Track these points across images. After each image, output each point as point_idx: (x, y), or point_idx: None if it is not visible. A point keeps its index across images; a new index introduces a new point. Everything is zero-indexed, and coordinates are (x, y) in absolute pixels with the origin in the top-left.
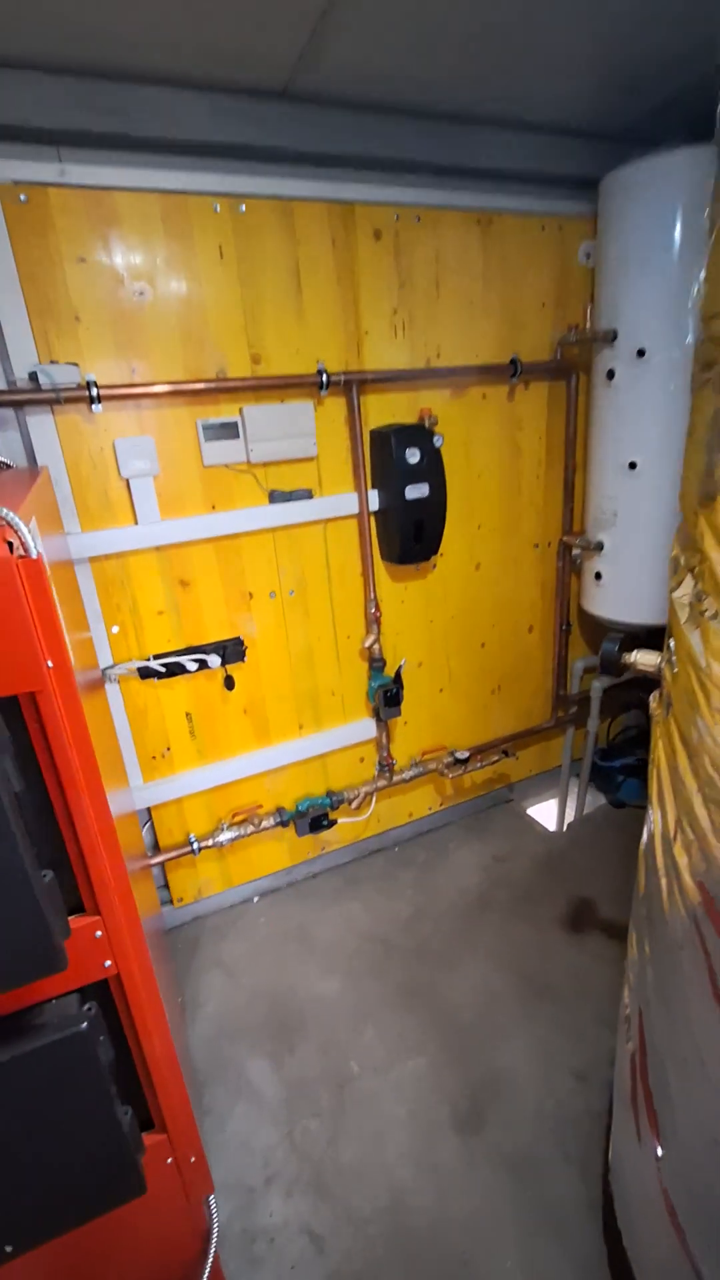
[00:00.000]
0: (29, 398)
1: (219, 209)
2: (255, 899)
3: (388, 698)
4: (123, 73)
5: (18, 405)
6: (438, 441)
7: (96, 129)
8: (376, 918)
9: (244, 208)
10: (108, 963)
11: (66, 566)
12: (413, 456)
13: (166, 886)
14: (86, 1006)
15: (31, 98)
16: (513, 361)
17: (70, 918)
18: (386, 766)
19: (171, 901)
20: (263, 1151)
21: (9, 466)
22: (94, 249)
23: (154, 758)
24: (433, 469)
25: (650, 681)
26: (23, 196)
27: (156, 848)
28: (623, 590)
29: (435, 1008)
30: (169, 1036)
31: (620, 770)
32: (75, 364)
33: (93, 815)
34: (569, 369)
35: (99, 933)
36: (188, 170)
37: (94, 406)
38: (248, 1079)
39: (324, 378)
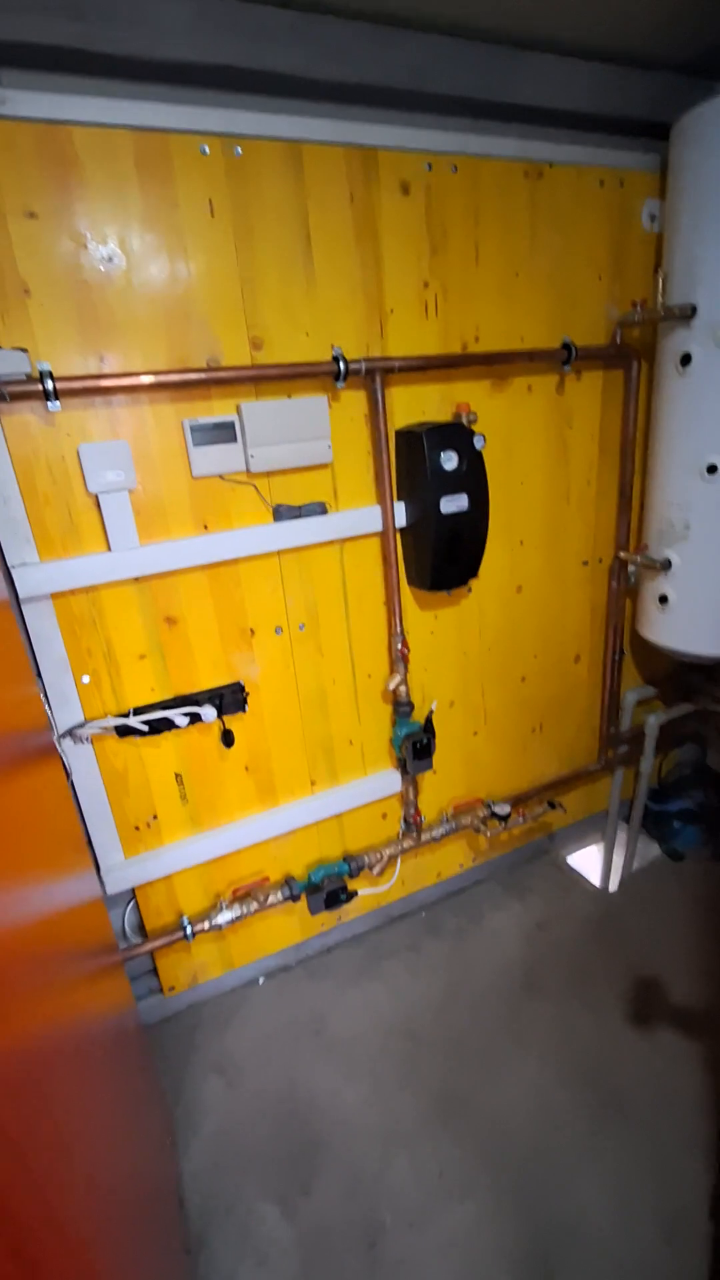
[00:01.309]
0: None
1: (208, 151)
2: (261, 980)
3: (417, 749)
4: None
5: None
6: (479, 443)
7: (45, 40)
8: (403, 1003)
9: (240, 150)
10: None
11: None
12: (449, 461)
13: (155, 973)
14: None
15: None
16: (565, 345)
17: None
18: (414, 825)
19: (161, 990)
20: None
21: None
22: (47, 201)
23: (137, 828)
24: (473, 476)
25: (710, 713)
26: None
27: (142, 931)
28: (696, 616)
29: (480, 1128)
30: None
31: (676, 815)
32: (24, 349)
33: None
34: (630, 354)
35: None
36: (168, 101)
37: (50, 404)
38: (254, 1229)
39: (341, 366)
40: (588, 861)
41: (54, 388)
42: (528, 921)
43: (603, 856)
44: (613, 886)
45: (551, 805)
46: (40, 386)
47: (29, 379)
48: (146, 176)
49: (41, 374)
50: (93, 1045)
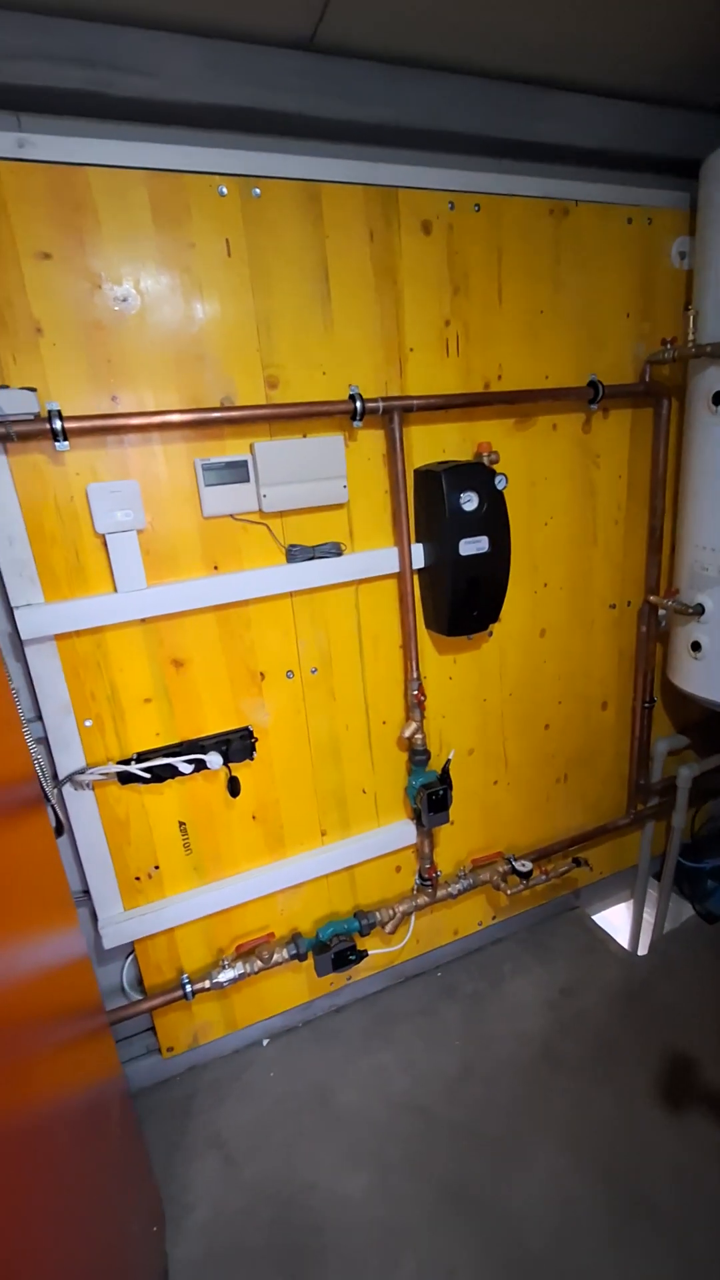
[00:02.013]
0: None
1: (226, 192)
2: (265, 1042)
3: (433, 801)
4: (100, 12)
5: None
6: (500, 483)
7: (66, 85)
8: (415, 1077)
9: (258, 191)
10: None
11: None
12: (469, 502)
13: (153, 1030)
14: None
15: None
16: (592, 384)
17: None
18: (429, 880)
19: (160, 1051)
20: None
21: None
22: (62, 243)
23: (137, 879)
24: (494, 517)
25: None
26: None
27: (141, 987)
28: None
29: (494, 1226)
30: None
31: (711, 874)
32: (33, 389)
33: None
34: (659, 393)
35: None
36: (184, 143)
37: (58, 443)
38: None
39: (358, 405)
40: (616, 921)
41: (62, 427)
42: (550, 987)
43: (632, 916)
44: (642, 949)
45: (577, 862)
46: (48, 426)
47: (37, 418)
48: (162, 217)
49: (50, 413)
50: (64, 1120)
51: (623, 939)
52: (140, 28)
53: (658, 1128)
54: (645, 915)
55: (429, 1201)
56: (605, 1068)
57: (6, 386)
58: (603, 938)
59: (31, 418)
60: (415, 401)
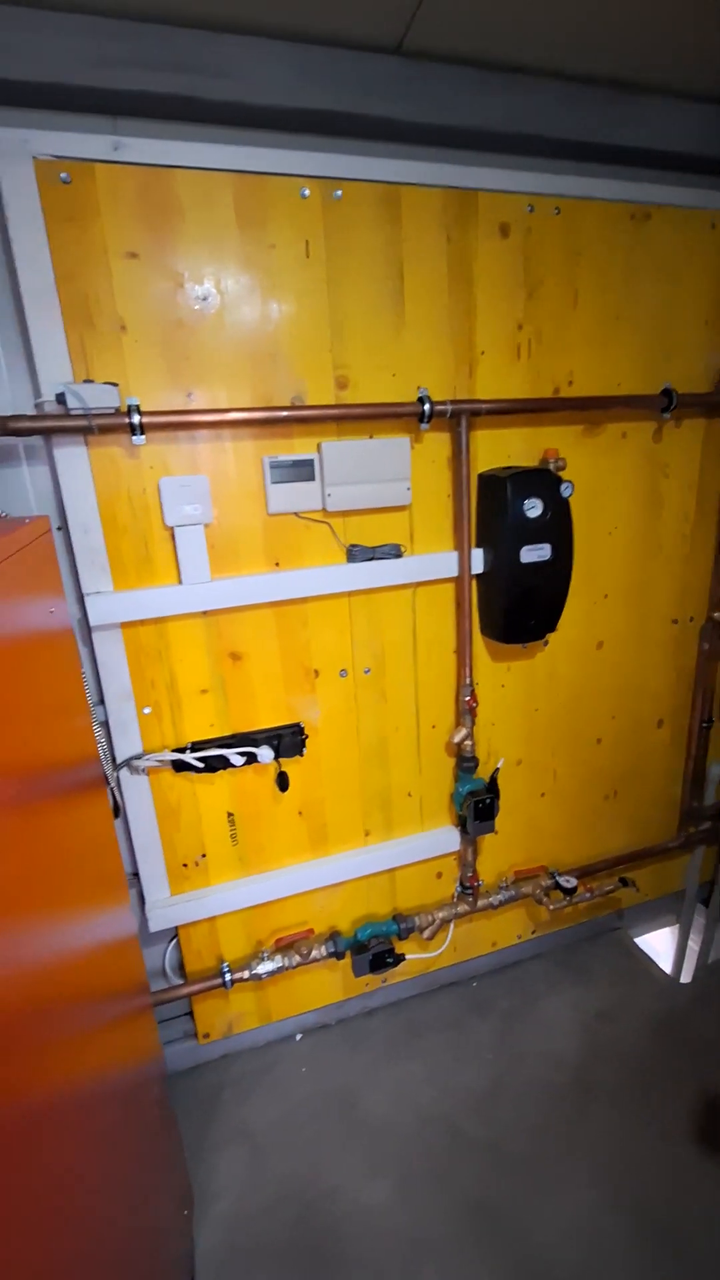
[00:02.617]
0: (54, 425)
1: (308, 194)
2: (298, 1037)
3: (479, 809)
4: (194, 19)
5: (45, 434)
6: (566, 490)
7: (160, 90)
8: (443, 1089)
9: (339, 193)
10: None
11: (55, 639)
12: (533, 509)
13: (190, 1015)
14: None
15: (80, 49)
16: (666, 392)
17: None
18: (470, 889)
19: (196, 1037)
20: None
21: None
22: (149, 242)
23: (185, 865)
24: (557, 525)
25: None
26: (65, 176)
27: (182, 972)
28: None
29: (519, 1250)
30: None
31: None
32: (115, 384)
33: None
34: None
35: None
36: (270, 146)
37: (135, 437)
38: None
39: (426, 407)
40: (659, 946)
41: (140, 422)
42: (587, 1009)
43: (676, 942)
44: (685, 977)
45: (624, 882)
46: (127, 420)
47: (117, 413)
48: (245, 219)
49: (130, 408)
50: (111, 1095)
51: (665, 965)
52: (235, 34)
53: (694, 1167)
54: (690, 942)
55: (453, 1217)
56: (641, 1099)
57: (91, 381)
58: (644, 963)
59: (112, 412)
60: (484, 405)
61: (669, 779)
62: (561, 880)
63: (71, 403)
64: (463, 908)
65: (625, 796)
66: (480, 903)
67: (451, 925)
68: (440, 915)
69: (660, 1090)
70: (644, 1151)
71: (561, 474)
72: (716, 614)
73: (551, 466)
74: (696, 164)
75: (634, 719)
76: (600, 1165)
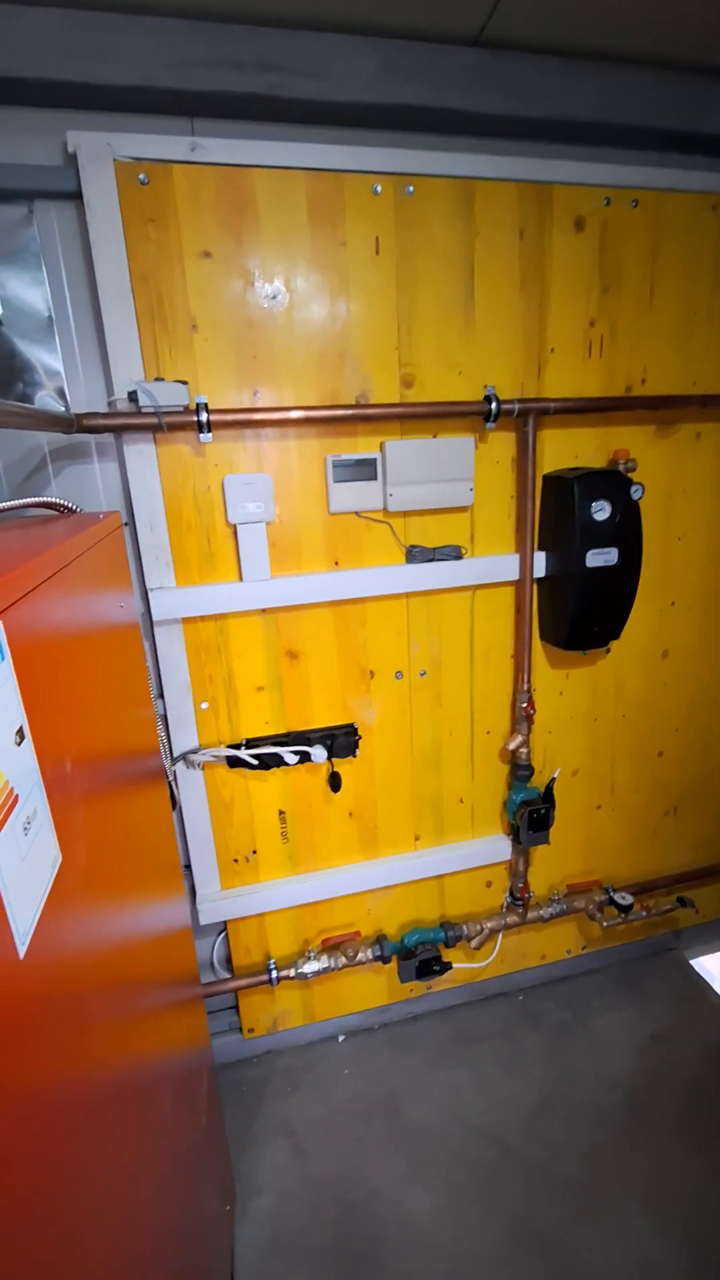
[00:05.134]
0: (125, 422)
1: (380, 191)
2: (340, 1038)
3: (533, 819)
4: (273, 17)
5: (117, 431)
6: (636, 493)
7: (239, 89)
8: (490, 1102)
9: (412, 189)
10: None
11: (124, 633)
12: (600, 511)
13: (235, 1009)
14: None
15: (160, 52)
16: None
17: None
18: (520, 899)
19: (241, 1031)
20: None
21: (68, 510)
22: (222, 242)
23: (236, 860)
24: (626, 529)
25: None
26: (143, 177)
27: (229, 966)
28: None
29: (565, 1275)
30: None
31: None
32: (184, 382)
33: None
34: None
35: None
36: (345, 143)
37: (202, 435)
38: None
39: (493, 406)
40: (716, 970)
41: (208, 420)
42: (641, 1031)
43: None
44: None
45: (682, 902)
46: (195, 419)
47: (186, 410)
48: (317, 216)
49: (198, 406)
50: (164, 1081)
51: None
52: (312, 30)
53: None
54: None
55: (496, 1234)
56: (696, 1126)
57: (161, 379)
58: (702, 986)
59: (181, 410)
60: (552, 404)
61: None
62: (617, 897)
63: (143, 400)
64: (512, 919)
65: (687, 813)
66: (530, 914)
67: (500, 936)
68: (489, 925)
69: (716, 1120)
70: (698, 1183)
71: (632, 475)
72: None
73: (621, 468)
74: None
75: (700, 733)
76: (651, 1193)
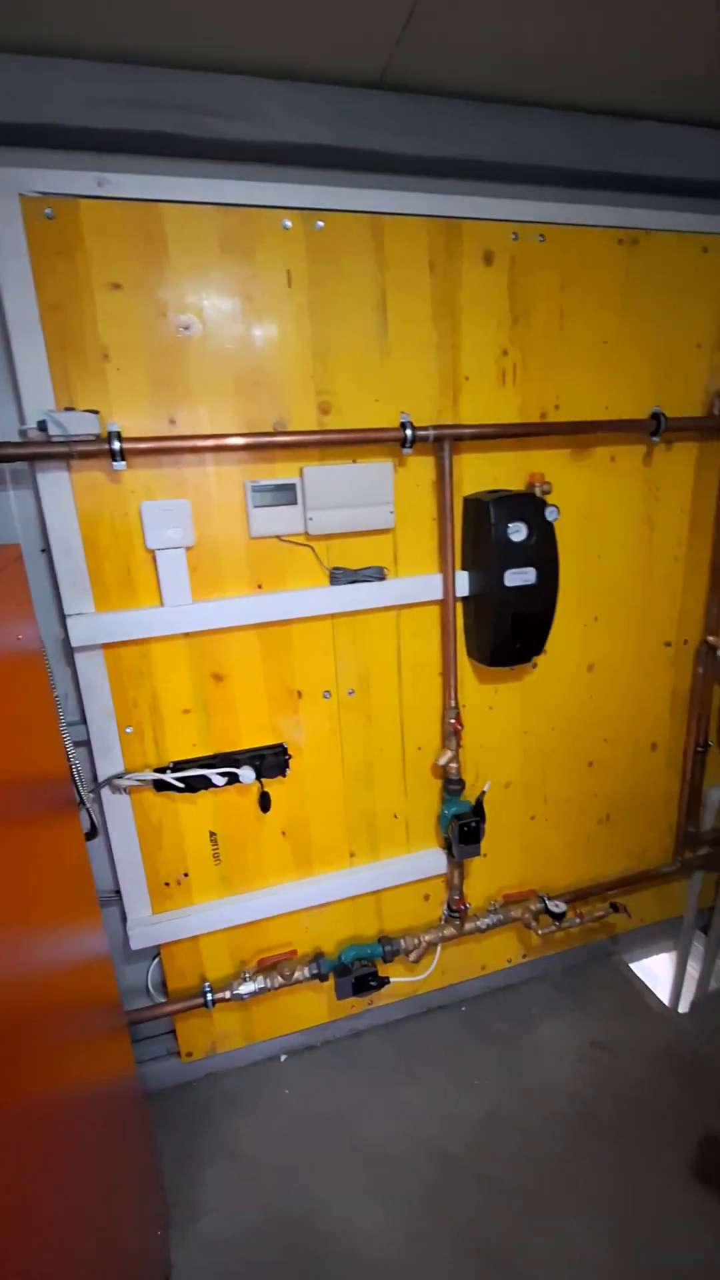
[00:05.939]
0: (36, 451)
1: (290, 225)
2: (283, 1057)
3: (464, 832)
4: (180, 60)
5: (28, 460)
6: (551, 515)
7: (146, 128)
8: (438, 1116)
9: (321, 224)
10: None
11: (24, 663)
12: (517, 533)
13: (173, 1034)
14: None
15: (68, 92)
16: (655, 415)
17: None
18: (458, 912)
19: (179, 1055)
20: None
21: None
22: (132, 273)
23: (167, 884)
24: (542, 549)
25: None
26: (49, 212)
27: (164, 990)
28: None
29: None
30: None
31: None
32: (95, 411)
33: None
34: None
35: None
36: (256, 180)
37: (116, 463)
38: None
39: (408, 433)
40: (656, 971)
41: (120, 448)
42: (582, 1037)
43: (674, 970)
44: (684, 1006)
45: (615, 908)
46: (108, 447)
47: (97, 439)
48: (229, 249)
49: (110, 434)
50: (74, 1111)
51: (663, 993)
52: (221, 72)
53: (698, 1210)
54: (690, 969)
55: (446, 1248)
56: (640, 1134)
57: (72, 408)
58: (640, 989)
59: (92, 438)
60: (466, 430)
61: (664, 803)
62: (550, 905)
63: (53, 430)
64: (450, 931)
65: (619, 821)
66: (468, 926)
67: (439, 948)
68: (427, 938)
69: (660, 1125)
70: (643, 1190)
71: (549, 498)
72: (711, 638)
73: (537, 491)
74: (685, 188)
75: (628, 742)
76: (598, 1204)
